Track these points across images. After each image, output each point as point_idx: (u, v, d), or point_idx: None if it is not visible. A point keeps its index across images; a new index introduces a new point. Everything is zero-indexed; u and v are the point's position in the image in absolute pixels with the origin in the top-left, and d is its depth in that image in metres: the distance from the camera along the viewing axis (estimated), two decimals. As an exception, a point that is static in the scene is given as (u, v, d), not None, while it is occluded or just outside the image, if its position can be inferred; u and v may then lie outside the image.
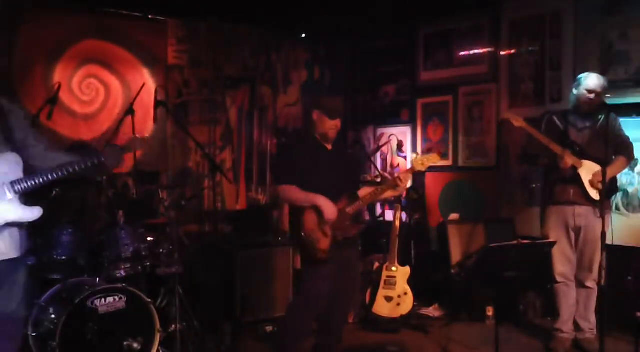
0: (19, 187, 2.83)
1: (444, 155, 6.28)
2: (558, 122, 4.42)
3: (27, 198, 2.90)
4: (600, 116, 4.26)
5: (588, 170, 4.26)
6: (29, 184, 2.84)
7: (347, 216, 3.69)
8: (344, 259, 3.71)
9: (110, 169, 3.04)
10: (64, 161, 2.94)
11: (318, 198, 3.59)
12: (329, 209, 3.58)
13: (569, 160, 4.22)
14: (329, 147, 3.80)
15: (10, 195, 2.81)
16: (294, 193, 3.65)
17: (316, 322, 3.88)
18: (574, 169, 4.25)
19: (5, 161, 2.83)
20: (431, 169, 6.20)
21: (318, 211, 3.59)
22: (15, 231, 2.87)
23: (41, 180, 2.86)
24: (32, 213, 2.88)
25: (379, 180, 5.82)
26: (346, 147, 3.91)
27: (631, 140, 4.42)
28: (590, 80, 4.27)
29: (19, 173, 2.85)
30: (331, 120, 3.69)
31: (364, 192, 3.80)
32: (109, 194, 4.30)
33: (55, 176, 2.88)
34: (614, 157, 4.29)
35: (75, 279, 3.94)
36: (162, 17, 5.87)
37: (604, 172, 3.71)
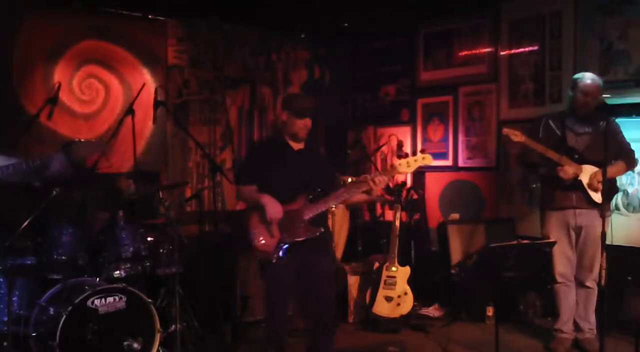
0: None
1: (443, 155, 6.30)
2: (555, 127, 4.39)
3: None
4: (601, 122, 4.18)
5: (588, 175, 4.24)
6: None
7: (300, 218, 3.53)
8: (304, 262, 3.57)
9: (54, 174, 2.95)
10: (5, 163, 2.82)
11: (263, 197, 3.51)
12: (272, 208, 3.48)
13: (570, 170, 4.21)
14: (297, 147, 3.70)
15: None
16: (247, 193, 3.61)
17: (309, 323, 3.85)
18: (575, 176, 4.23)
19: None
20: (431, 169, 6.33)
21: (263, 210, 3.50)
22: None
23: None
24: None
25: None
26: (317, 148, 3.77)
27: (631, 140, 4.42)
28: (586, 82, 4.25)
29: None
30: (300, 120, 3.60)
31: (333, 194, 3.63)
32: (109, 194, 4.30)
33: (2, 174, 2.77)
34: (613, 162, 4.27)
35: (75, 279, 3.93)
36: (162, 17, 5.87)
37: (604, 173, 3.70)
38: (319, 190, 3.64)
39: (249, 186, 3.62)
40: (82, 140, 3.45)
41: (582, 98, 4.25)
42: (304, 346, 3.93)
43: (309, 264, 3.60)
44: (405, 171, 3.51)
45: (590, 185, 4.23)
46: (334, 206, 3.63)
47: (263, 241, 3.51)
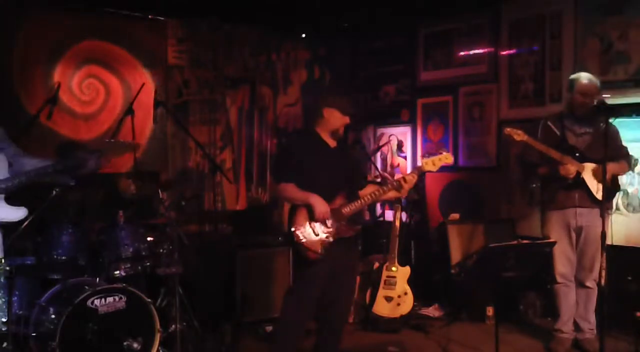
0: (5, 186, 2.73)
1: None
2: (554, 128, 4.40)
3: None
4: (601, 124, 4.16)
5: (590, 172, 4.25)
6: (15, 182, 2.74)
7: (343, 216, 3.64)
8: (339, 260, 3.66)
9: (88, 173, 2.98)
10: (42, 164, 2.85)
11: (310, 196, 3.56)
12: (320, 207, 3.54)
13: (573, 168, 4.21)
14: (332, 145, 3.79)
15: None
16: (291, 191, 3.64)
17: (316, 322, 3.88)
18: (578, 174, 4.24)
19: None
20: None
21: (310, 209, 3.56)
22: None
23: (22, 179, 2.76)
24: (17, 213, 2.79)
25: (378, 180, 5.81)
26: (348, 146, 3.88)
27: (631, 140, 4.43)
28: (583, 82, 4.26)
29: (4, 172, 2.75)
30: (344, 116, 3.72)
31: (364, 192, 3.78)
32: (109, 194, 4.30)
33: (38, 175, 2.80)
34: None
35: (75, 279, 3.94)
36: (162, 17, 5.87)
37: (604, 172, 3.70)
38: (354, 188, 3.78)
39: (288, 183, 3.65)
40: (114, 140, 3.53)
41: (580, 98, 4.26)
42: (311, 345, 3.96)
43: (344, 261, 3.71)
44: (430, 170, 3.74)
45: (595, 175, 4.21)
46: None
47: (309, 239, 3.56)
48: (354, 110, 3.82)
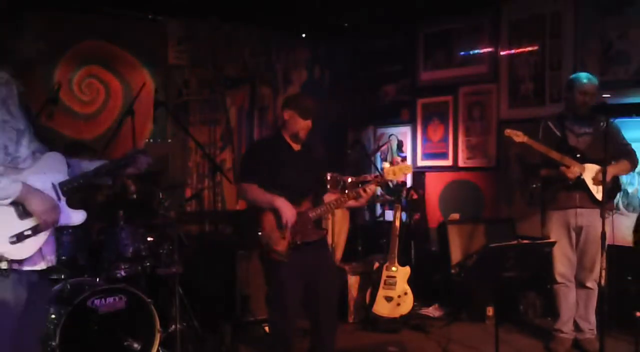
0: (67, 188, 2.68)
1: (443, 155, 6.31)
2: (555, 129, 4.39)
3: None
4: (601, 123, 4.18)
5: (591, 173, 4.24)
6: (75, 184, 2.69)
7: (309, 220, 3.58)
8: (309, 262, 3.58)
9: (136, 173, 2.98)
10: (97, 165, 2.83)
11: (277, 200, 3.50)
12: (287, 211, 3.48)
13: (577, 169, 4.20)
14: (297, 147, 3.71)
15: (60, 197, 2.61)
16: (255, 192, 3.57)
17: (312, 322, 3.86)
18: (579, 175, 4.23)
19: (52, 159, 2.64)
20: (431, 169, 6.34)
21: (276, 212, 3.50)
22: (53, 238, 2.67)
23: (82, 180, 2.72)
24: (78, 217, 2.74)
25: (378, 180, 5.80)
26: (315, 149, 3.82)
27: (631, 140, 4.42)
28: (582, 82, 4.25)
29: (66, 173, 2.71)
30: (304, 120, 3.61)
31: (328, 198, 3.73)
32: (109, 194, 4.30)
33: (97, 174, 2.77)
34: (613, 162, 4.26)
35: (75, 279, 3.93)
36: (162, 17, 5.87)
37: (604, 172, 3.70)
38: (319, 193, 3.73)
39: (252, 184, 3.60)
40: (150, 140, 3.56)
41: (580, 98, 4.26)
42: (306, 346, 3.93)
43: (314, 264, 3.63)
44: (391, 179, 3.72)
45: (595, 179, 4.21)
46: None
47: (276, 243, 3.52)
48: (319, 114, 3.69)
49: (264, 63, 6.63)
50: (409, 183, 6.37)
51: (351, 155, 6.56)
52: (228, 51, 6.33)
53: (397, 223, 5.20)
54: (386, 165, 3.75)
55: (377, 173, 6.16)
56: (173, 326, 4.16)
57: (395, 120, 6.78)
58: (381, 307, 5.02)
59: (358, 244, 5.99)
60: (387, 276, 5.08)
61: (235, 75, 6.41)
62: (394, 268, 5.09)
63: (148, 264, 4.20)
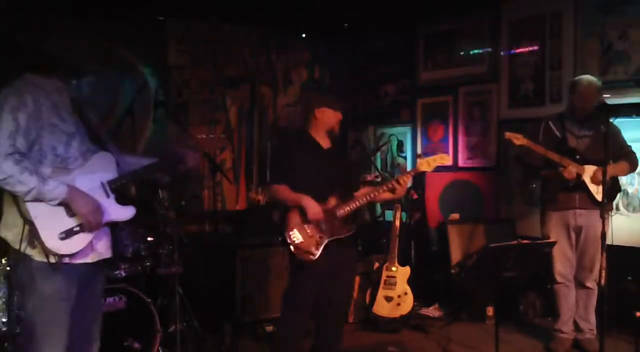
0: (116, 185, 2.75)
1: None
2: (555, 129, 4.40)
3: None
4: (601, 126, 4.16)
5: (590, 174, 4.24)
6: (124, 182, 2.78)
7: (336, 217, 3.61)
8: (334, 260, 3.62)
9: (188, 168, 3.03)
10: (145, 162, 2.88)
11: (302, 198, 3.53)
12: (313, 209, 3.51)
13: (574, 170, 4.21)
14: (325, 146, 3.76)
15: (110, 194, 2.73)
16: (283, 193, 3.61)
17: (315, 322, 3.87)
18: (579, 176, 4.23)
19: (101, 159, 2.76)
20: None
21: (302, 210, 3.54)
22: (108, 231, 2.82)
23: (131, 177, 2.81)
24: (128, 212, 2.81)
25: (379, 180, 5.82)
26: (344, 147, 3.88)
27: (631, 140, 4.42)
28: (584, 84, 4.25)
29: (115, 171, 2.79)
30: (336, 113, 3.71)
31: (360, 193, 3.76)
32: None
33: (148, 171, 2.83)
34: (611, 163, 4.26)
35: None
36: (162, 17, 5.87)
37: (604, 173, 3.70)
38: (349, 189, 3.76)
39: (280, 185, 3.63)
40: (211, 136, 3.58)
41: (581, 101, 4.26)
42: (307, 346, 3.95)
43: (337, 264, 3.66)
44: (425, 170, 3.73)
45: (594, 179, 4.22)
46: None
47: (303, 241, 3.54)
48: (344, 104, 3.81)
49: (264, 63, 6.62)
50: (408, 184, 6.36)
51: (351, 155, 6.57)
52: (228, 51, 6.33)
53: (397, 223, 5.20)
54: (422, 157, 3.79)
55: (377, 173, 6.20)
56: (173, 326, 4.16)
57: (395, 120, 6.78)
58: (381, 307, 5.02)
59: (358, 244, 5.98)
60: (387, 276, 5.08)
61: (235, 75, 6.40)
62: (394, 268, 5.09)
63: (148, 264, 4.20)
